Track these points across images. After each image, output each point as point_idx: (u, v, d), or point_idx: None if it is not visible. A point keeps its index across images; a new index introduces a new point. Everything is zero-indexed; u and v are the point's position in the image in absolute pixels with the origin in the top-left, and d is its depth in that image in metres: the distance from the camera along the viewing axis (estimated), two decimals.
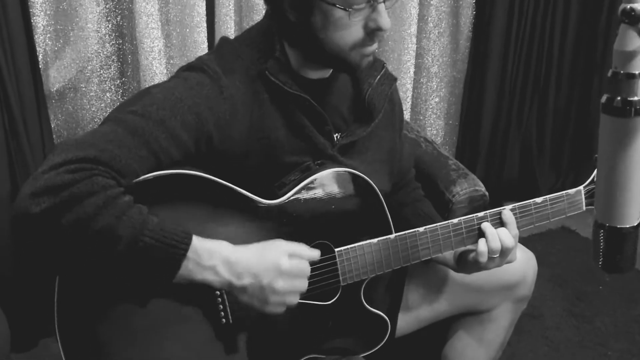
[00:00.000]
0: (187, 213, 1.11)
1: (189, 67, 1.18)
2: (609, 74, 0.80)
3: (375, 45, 1.16)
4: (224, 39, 1.24)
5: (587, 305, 2.32)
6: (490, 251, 1.24)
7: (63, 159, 0.99)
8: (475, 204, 1.59)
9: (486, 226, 1.25)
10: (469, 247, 1.29)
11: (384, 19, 1.11)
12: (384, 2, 1.10)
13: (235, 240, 1.09)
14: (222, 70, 1.15)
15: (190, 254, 1.02)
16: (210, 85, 1.13)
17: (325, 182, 1.19)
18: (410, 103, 2.65)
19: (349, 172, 1.21)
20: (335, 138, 1.26)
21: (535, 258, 1.50)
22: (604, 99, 0.81)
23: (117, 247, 0.99)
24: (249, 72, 1.17)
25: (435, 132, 2.83)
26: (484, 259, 1.24)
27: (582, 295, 2.38)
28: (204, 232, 1.08)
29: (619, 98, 0.79)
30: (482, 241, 1.25)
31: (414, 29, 2.50)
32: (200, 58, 1.21)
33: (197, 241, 1.04)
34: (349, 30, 1.11)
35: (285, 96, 1.17)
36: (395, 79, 1.34)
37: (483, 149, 2.85)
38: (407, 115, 2.62)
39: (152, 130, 1.07)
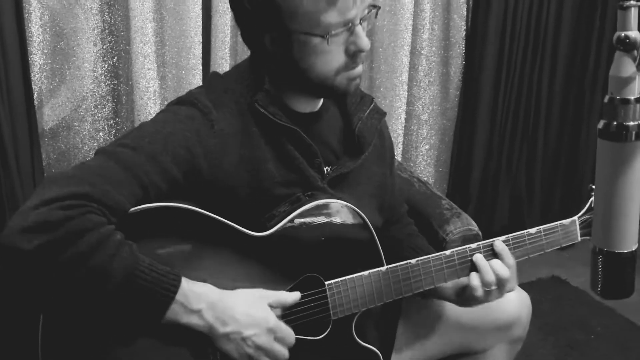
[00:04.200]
0: (174, 247, 1.10)
1: (179, 101, 1.19)
2: (605, 99, 0.82)
3: (360, 68, 1.17)
4: (214, 74, 1.26)
5: (579, 355, 2.28)
6: (485, 284, 1.22)
7: (56, 194, 0.98)
8: (469, 243, 1.59)
9: (478, 258, 1.23)
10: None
11: (363, 40, 1.12)
12: (360, 24, 1.12)
13: (222, 275, 1.09)
14: (212, 104, 1.16)
15: (178, 297, 1.02)
16: (201, 118, 1.14)
17: (315, 214, 1.18)
18: (401, 149, 2.68)
19: (340, 204, 1.20)
20: (326, 171, 1.26)
21: None
22: (601, 124, 0.83)
23: (107, 287, 0.98)
24: (239, 105, 1.18)
25: (425, 179, 2.83)
26: (479, 292, 1.23)
27: (574, 345, 2.34)
28: (190, 267, 1.07)
29: (615, 123, 0.81)
30: (473, 275, 1.23)
31: (405, 76, 2.55)
32: (190, 92, 1.22)
33: (186, 284, 1.03)
34: (330, 55, 1.12)
35: (275, 128, 1.18)
36: (384, 113, 1.35)
37: (473, 196, 2.87)
38: (398, 160, 2.64)
39: (143, 164, 1.06)
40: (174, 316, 1.03)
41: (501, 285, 1.24)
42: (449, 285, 1.28)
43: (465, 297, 1.28)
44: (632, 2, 0.77)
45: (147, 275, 1.00)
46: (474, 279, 1.23)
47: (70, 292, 1.02)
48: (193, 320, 1.04)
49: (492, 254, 1.26)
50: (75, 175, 1.02)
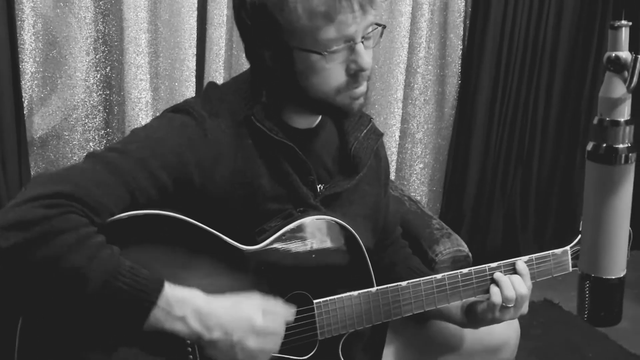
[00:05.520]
0: (161, 256, 1.07)
1: (175, 109, 1.17)
2: (595, 121, 0.80)
3: (362, 87, 1.14)
4: (211, 84, 1.24)
5: None
6: (505, 299, 1.22)
7: (38, 193, 0.96)
8: (458, 265, 1.57)
9: (498, 274, 1.24)
10: (478, 298, 1.25)
11: (364, 59, 1.09)
12: (362, 42, 1.09)
13: (209, 287, 1.06)
14: (207, 114, 1.14)
15: (160, 302, 0.99)
16: (195, 127, 1.12)
17: (307, 230, 1.17)
18: (395, 167, 2.67)
19: (332, 221, 1.19)
20: (318, 189, 1.24)
21: None
22: (589, 146, 0.81)
23: (86, 290, 0.96)
24: (235, 117, 1.16)
25: (419, 197, 2.82)
26: (497, 299, 1.21)
27: None
28: (176, 277, 1.04)
29: (604, 145, 0.79)
30: (493, 287, 1.23)
31: (400, 94, 2.54)
32: (186, 101, 1.20)
33: (169, 289, 1.01)
34: (329, 73, 1.10)
35: (269, 143, 1.16)
36: (381, 134, 1.34)
37: (467, 216, 2.85)
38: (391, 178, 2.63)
39: (131, 169, 1.05)
40: (156, 322, 1.00)
41: (518, 304, 1.23)
42: (457, 303, 1.27)
43: (476, 315, 1.26)
44: (622, 22, 0.76)
45: (127, 279, 0.97)
46: (494, 289, 1.22)
47: (48, 293, 0.99)
48: (177, 326, 1.01)
49: (513, 272, 1.26)
50: (61, 175, 1.01)
